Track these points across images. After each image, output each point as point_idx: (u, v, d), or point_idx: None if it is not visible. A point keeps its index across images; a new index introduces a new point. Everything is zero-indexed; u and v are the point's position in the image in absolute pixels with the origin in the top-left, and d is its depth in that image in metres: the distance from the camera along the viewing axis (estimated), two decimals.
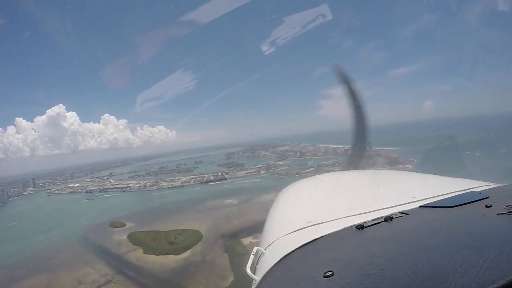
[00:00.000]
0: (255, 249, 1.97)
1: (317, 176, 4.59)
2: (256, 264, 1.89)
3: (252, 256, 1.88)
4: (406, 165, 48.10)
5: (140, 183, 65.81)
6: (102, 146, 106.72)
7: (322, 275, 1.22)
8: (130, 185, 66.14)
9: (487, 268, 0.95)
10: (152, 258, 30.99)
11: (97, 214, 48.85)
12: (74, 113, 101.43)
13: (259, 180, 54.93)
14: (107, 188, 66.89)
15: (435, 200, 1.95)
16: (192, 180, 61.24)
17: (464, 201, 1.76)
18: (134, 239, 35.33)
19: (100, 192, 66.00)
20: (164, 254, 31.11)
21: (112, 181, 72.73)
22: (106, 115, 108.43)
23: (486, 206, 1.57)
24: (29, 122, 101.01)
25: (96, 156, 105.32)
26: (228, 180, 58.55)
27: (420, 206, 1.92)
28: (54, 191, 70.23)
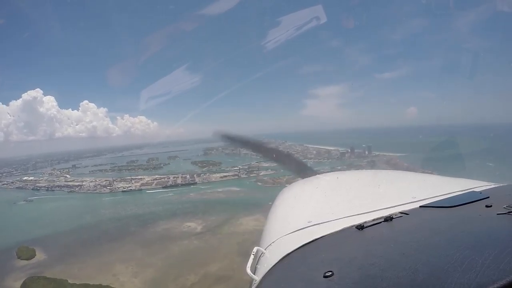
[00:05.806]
0: (255, 249, 1.93)
1: (317, 176, 4.20)
2: (256, 264, 1.86)
3: (252, 256, 1.84)
4: None
5: (94, 181, 57.78)
6: (80, 134, 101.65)
7: (322, 275, 1.21)
8: (83, 183, 58.20)
9: (487, 268, 0.95)
10: None
11: (19, 227, 38.65)
12: (52, 98, 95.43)
13: (237, 189, 42.23)
14: (57, 186, 59.33)
15: (435, 200, 1.94)
16: (155, 182, 49.40)
17: (464, 201, 1.74)
18: None
19: (47, 190, 58.13)
20: None
21: (68, 176, 65.51)
22: (86, 102, 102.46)
23: (486, 206, 1.56)
24: (4, 106, 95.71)
25: (73, 144, 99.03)
26: (198, 186, 45.79)
27: (420, 206, 1.91)
28: (4, 184, 63.12)
